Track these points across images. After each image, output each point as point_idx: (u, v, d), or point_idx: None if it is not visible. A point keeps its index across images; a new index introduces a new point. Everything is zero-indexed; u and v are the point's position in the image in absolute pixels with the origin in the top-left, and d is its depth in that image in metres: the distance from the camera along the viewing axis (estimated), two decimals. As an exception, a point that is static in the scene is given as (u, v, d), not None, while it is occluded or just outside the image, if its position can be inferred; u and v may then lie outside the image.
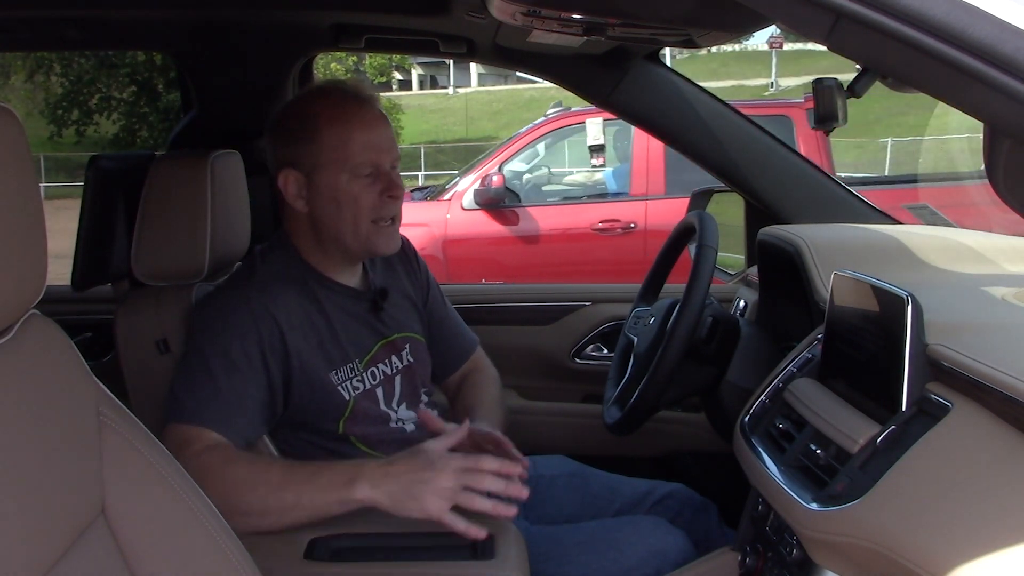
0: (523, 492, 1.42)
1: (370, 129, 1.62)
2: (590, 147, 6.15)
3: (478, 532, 1.38)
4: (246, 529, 1.29)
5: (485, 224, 5.84)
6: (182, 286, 1.73)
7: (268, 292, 1.59)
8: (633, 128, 5.69)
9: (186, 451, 1.44)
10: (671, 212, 5.38)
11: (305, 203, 1.64)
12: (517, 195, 6.01)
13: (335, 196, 1.61)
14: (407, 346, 1.77)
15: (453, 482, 1.37)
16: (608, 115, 6.38)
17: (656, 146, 5.55)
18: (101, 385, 1.07)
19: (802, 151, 5.32)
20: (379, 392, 1.67)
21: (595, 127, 6.15)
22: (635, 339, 1.89)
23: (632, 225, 5.54)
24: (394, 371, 1.72)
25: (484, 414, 1.75)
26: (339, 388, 1.61)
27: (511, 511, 1.41)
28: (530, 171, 6.47)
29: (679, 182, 5.42)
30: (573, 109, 6.48)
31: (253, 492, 1.41)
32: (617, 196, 6.00)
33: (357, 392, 1.63)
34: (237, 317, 1.55)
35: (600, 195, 6.27)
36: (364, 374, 1.66)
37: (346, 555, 1.45)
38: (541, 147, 6.49)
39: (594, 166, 6.27)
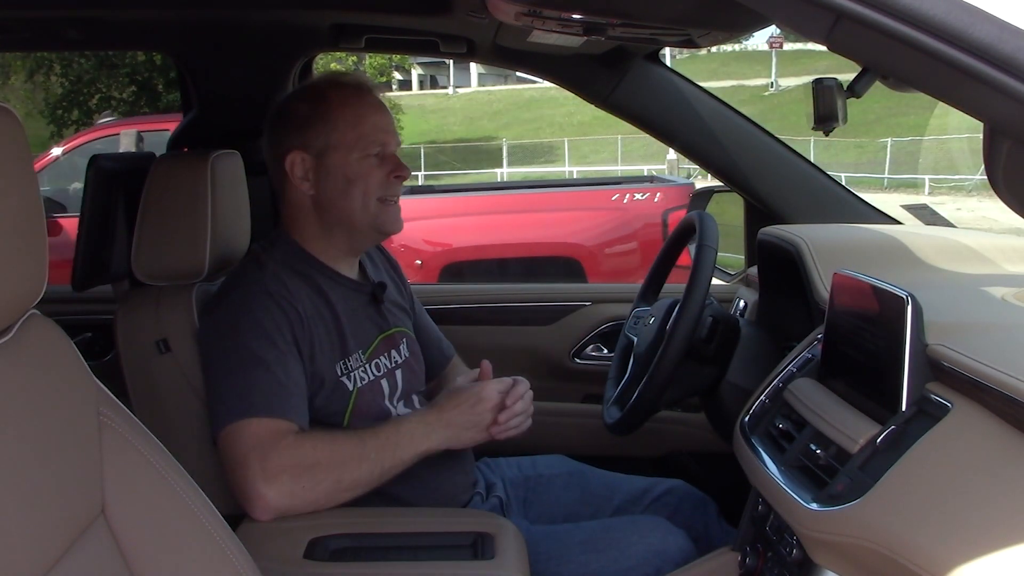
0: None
1: (379, 113, 1.70)
2: None
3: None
4: (346, 499, 1.52)
5: None
6: (182, 286, 1.73)
7: (283, 282, 1.61)
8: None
9: (267, 444, 1.48)
10: None
11: (311, 185, 1.67)
12: (62, 205, 5.83)
13: (346, 174, 1.65)
14: (404, 340, 1.79)
15: (490, 417, 1.63)
16: (145, 126, 6.34)
17: None
18: (101, 385, 1.07)
19: None
20: (384, 384, 1.69)
21: (128, 139, 6.09)
22: (635, 339, 1.89)
23: None
24: (394, 365, 1.73)
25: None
26: (343, 379, 1.62)
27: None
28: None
29: None
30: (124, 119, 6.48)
31: (345, 468, 1.51)
32: None
33: (363, 383, 1.65)
34: (265, 308, 1.57)
35: None
36: (368, 365, 1.67)
37: (346, 555, 1.45)
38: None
39: None
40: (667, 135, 2.39)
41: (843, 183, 2.40)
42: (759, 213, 2.27)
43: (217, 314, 1.63)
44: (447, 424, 1.59)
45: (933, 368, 1.12)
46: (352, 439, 1.55)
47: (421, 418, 1.61)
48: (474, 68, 40.23)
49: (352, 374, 1.64)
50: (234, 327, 1.57)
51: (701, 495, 1.88)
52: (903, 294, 1.14)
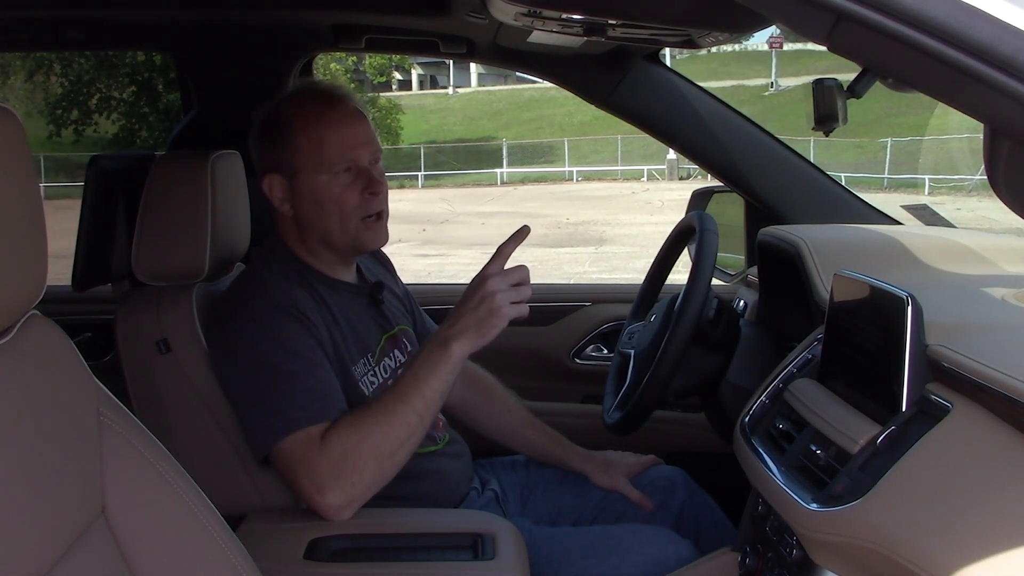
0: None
1: (343, 127, 1.63)
2: None
3: None
4: (403, 459, 1.50)
5: None
6: (182, 286, 1.72)
7: (288, 295, 1.60)
8: None
9: (305, 456, 1.47)
10: None
11: (290, 207, 1.66)
12: None
13: (317, 198, 1.62)
14: (405, 339, 1.78)
15: (505, 304, 1.49)
16: None
17: None
18: (101, 385, 1.07)
19: None
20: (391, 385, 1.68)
21: None
22: (631, 351, 1.86)
23: None
24: (398, 365, 1.73)
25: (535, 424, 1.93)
26: (360, 384, 1.63)
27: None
28: None
29: None
30: None
31: (376, 436, 1.48)
32: None
33: (373, 387, 1.65)
34: (278, 321, 1.56)
35: None
36: (377, 368, 1.68)
37: (346, 555, 1.45)
38: None
39: None
40: (667, 135, 2.39)
41: (843, 183, 2.40)
42: (759, 213, 2.27)
43: (228, 335, 1.61)
44: (462, 331, 1.49)
45: (933, 368, 1.12)
46: (371, 404, 1.52)
47: (435, 339, 1.53)
48: (474, 68, 40.25)
49: (364, 379, 1.64)
50: (251, 346, 1.56)
51: (693, 483, 1.88)
52: (903, 294, 1.14)
